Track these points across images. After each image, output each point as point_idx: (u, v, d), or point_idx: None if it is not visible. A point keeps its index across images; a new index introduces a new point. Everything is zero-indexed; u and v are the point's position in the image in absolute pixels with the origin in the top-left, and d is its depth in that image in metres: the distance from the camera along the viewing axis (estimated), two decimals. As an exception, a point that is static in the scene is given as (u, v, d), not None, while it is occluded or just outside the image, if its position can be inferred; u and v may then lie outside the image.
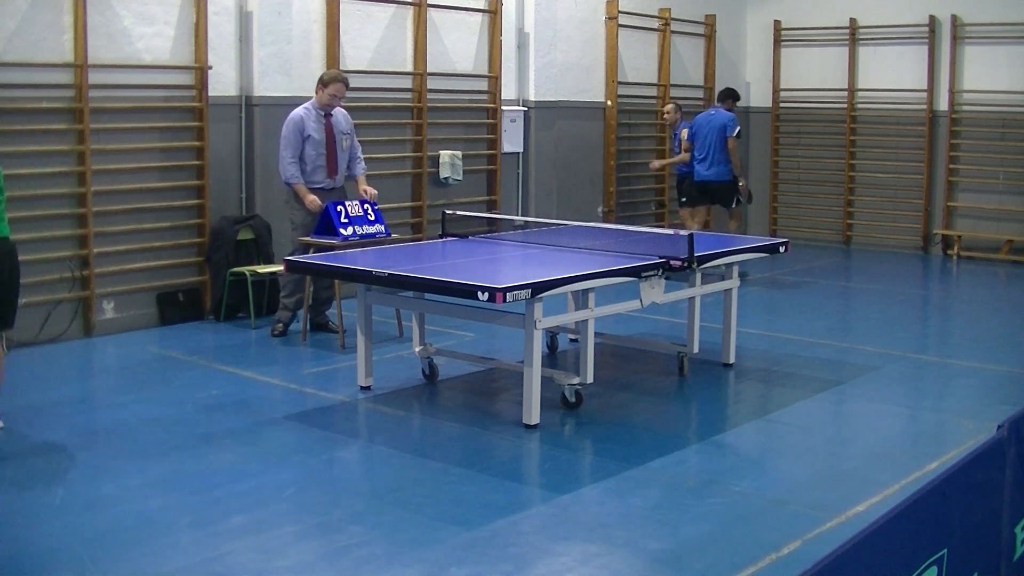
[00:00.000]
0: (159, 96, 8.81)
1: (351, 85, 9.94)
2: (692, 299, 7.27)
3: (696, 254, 6.78)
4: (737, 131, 11.31)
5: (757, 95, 15.21)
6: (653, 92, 13.61)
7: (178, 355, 7.94)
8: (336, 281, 8.28)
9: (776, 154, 15.13)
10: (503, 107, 11.50)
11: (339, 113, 8.49)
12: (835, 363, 7.91)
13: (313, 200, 8.21)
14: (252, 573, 4.32)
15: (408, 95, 10.68)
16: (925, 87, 13.65)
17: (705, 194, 11.40)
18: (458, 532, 4.71)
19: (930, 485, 2.69)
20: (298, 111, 8.35)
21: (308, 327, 8.42)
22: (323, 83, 8.32)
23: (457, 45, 11.10)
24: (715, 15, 14.37)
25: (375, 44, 10.33)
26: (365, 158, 9.28)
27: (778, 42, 14.90)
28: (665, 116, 12.17)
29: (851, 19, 14.16)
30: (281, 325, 8.50)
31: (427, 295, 6.68)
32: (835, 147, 14.54)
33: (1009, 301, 10.94)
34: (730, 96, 11.76)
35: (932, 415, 6.82)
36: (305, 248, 8.12)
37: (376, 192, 8.53)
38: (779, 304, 10.41)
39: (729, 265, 7.54)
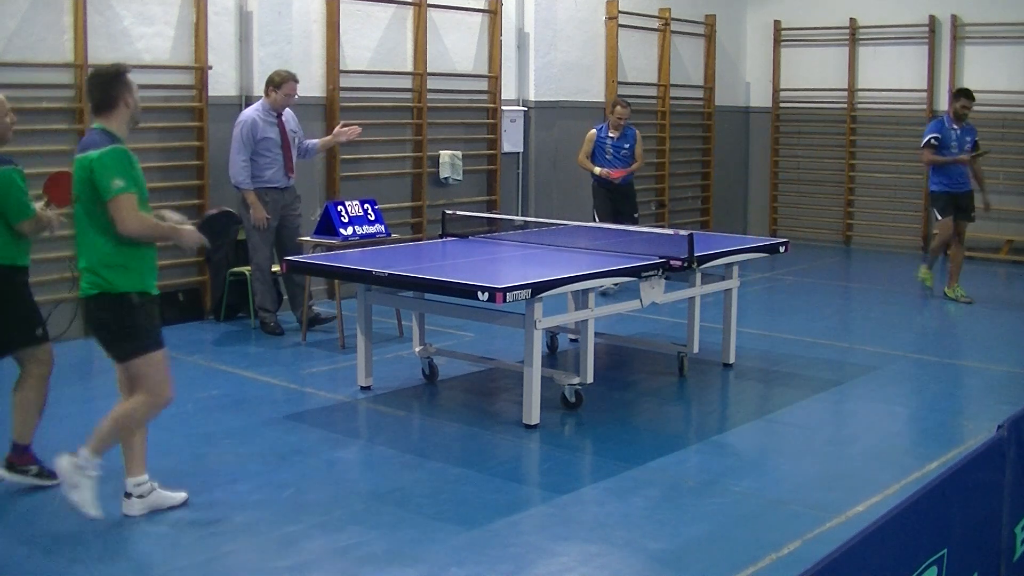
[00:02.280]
0: (159, 96, 8.80)
1: (351, 85, 9.99)
2: (692, 299, 7.27)
3: (696, 254, 6.79)
4: (925, 140, 10.24)
5: (757, 95, 15.21)
6: (653, 92, 13.61)
7: (178, 355, 7.92)
8: (336, 280, 8.29)
9: (776, 154, 15.13)
10: (503, 107, 11.50)
11: (287, 113, 8.53)
12: (835, 363, 7.91)
13: (262, 218, 8.35)
14: (252, 573, 4.32)
15: (408, 95, 10.68)
16: (925, 87, 13.65)
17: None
18: (458, 532, 4.71)
19: (930, 485, 2.69)
20: (249, 112, 8.43)
21: (306, 326, 8.43)
22: (275, 85, 8.34)
23: (457, 45, 11.10)
24: (715, 15, 14.37)
25: (375, 44, 10.33)
26: (365, 158, 9.27)
27: (778, 42, 14.89)
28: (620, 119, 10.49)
29: (851, 19, 14.16)
30: (271, 324, 8.53)
31: (427, 295, 6.68)
32: (835, 147, 14.54)
33: (1009, 301, 10.93)
34: (954, 98, 10.47)
35: (932, 415, 6.82)
36: (267, 249, 8.40)
37: (359, 128, 8.69)
38: (779, 304, 10.41)
39: (729, 265, 7.54)
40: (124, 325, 4.70)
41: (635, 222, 10.51)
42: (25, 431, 5.14)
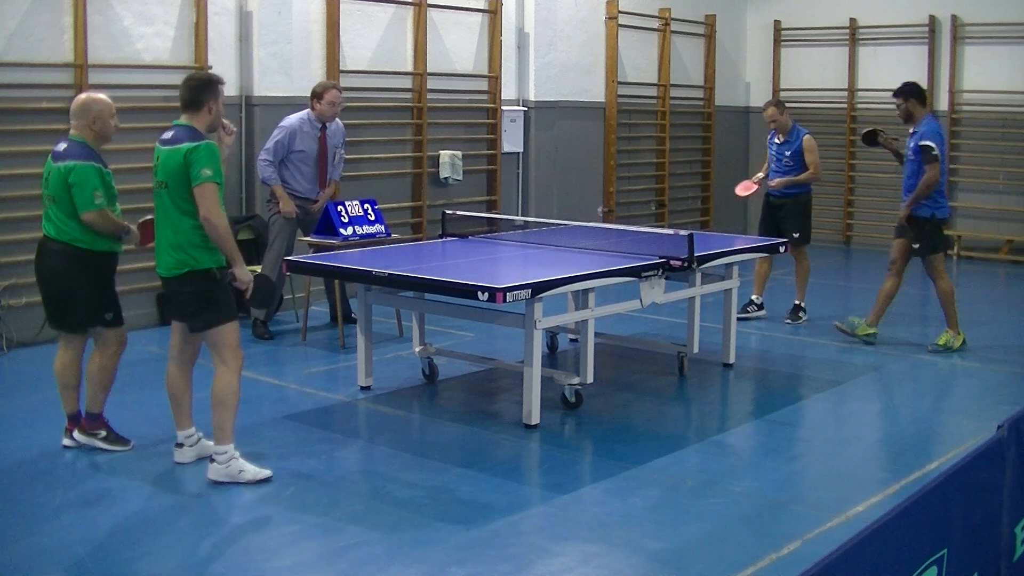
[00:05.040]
0: (159, 96, 8.80)
1: (351, 85, 9.99)
2: (692, 299, 7.27)
3: (696, 254, 6.79)
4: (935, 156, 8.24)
5: (757, 95, 15.19)
6: (653, 92, 13.61)
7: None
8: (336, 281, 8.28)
9: (776, 154, 15.12)
10: (503, 107, 11.50)
11: (335, 125, 8.45)
12: (835, 363, 7.91)
13: (291, 210, 8.25)
14: (252, 573, 4.32)
15: (408, 95, 10.68)
16: (925, 87, 13.62)
17: None
18: (458, 532, 4.71)
19: (930, 485, 2.69)
20: (293, 121, 8.29)
21: (307, 326, 8.43)
22: (316, 96, 8.24)
23: (457, 45, 11.10)
24: (715, 15, 14.37)
25: (375, 44, 10.33)
26: (365, 158, 9.20)
27: (778, 42, 14.89)
28: (773, 123, 9.36)
29: (851, 19, 14.16)
30: (260, 329, 8.42)
31: (427, 295, 6.68)
32: (835, 147, 14.53)
33: (1009, 301, 10.94)
34: None
35: (932, 415, 6.82)
36: (282, 244, 8.23)
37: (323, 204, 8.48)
38: (779, 304, 10.40)
39: (729, 265, 7.54)
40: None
41: (796, 241, 9.14)
42: (95, 400, 5.69)
